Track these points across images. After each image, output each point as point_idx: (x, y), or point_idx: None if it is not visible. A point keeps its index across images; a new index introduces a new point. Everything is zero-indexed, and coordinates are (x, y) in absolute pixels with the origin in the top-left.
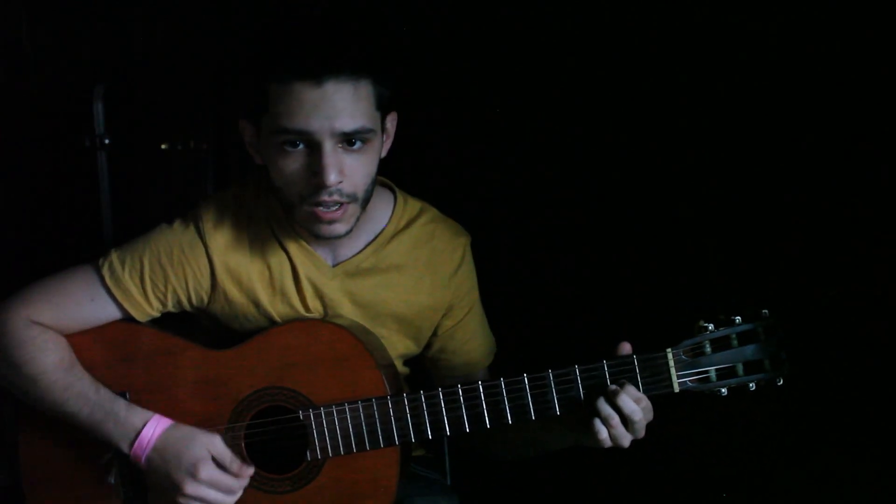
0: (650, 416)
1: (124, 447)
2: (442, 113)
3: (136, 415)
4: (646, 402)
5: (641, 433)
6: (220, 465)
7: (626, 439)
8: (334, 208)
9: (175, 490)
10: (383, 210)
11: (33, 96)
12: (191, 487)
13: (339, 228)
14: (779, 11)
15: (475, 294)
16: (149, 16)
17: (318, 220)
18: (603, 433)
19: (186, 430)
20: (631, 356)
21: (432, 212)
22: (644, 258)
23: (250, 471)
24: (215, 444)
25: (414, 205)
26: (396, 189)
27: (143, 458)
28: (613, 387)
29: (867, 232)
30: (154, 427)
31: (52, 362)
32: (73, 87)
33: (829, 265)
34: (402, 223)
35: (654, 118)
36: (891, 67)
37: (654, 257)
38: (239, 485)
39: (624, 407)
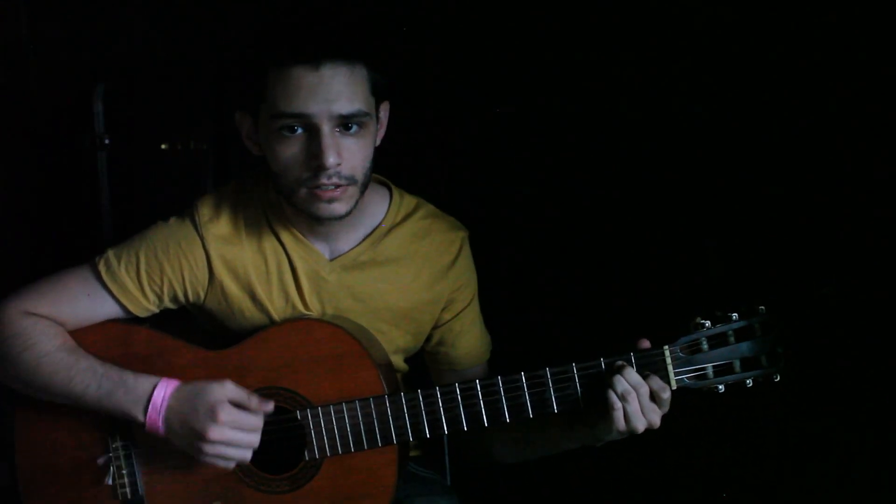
0: (666, 407)
1: (139, 414)
2: (439, 111)
3: (145, 380)
4: (646, 389)
5: (656, 419)
6: (237, 407)
7: (640, 421)
8: (333, 189)
9: (199, 439)
10: (380, 205)
11: (33, 96)
12: (214, 432)
13: (339, 208)
14: (774, 10)
15: (474, 287)
16: (149, 16)
17: (318, 199)
18: (617, 406)
19: (196, 384)
20: (628, 354)
21: (429, 207)
22: (641, 255)
23: (270, 405)
24: (227, 387)
25: (410, 201)
26: (392, 186)
27: (160, 421)
28: (620, 362)
29: (862, 227)
30: (165, 388)
31: (54, 345)
32: (73, 87)
33: (825, 261)
34: (399, 218)
35: (652, 115)
36: (887, 61)
37: (651, 254)
38: (261, 421)
39: (630, 378)
